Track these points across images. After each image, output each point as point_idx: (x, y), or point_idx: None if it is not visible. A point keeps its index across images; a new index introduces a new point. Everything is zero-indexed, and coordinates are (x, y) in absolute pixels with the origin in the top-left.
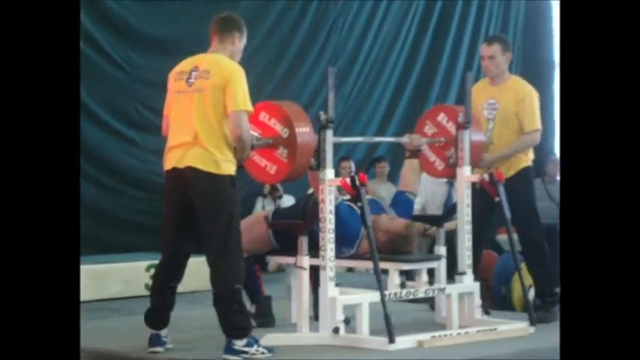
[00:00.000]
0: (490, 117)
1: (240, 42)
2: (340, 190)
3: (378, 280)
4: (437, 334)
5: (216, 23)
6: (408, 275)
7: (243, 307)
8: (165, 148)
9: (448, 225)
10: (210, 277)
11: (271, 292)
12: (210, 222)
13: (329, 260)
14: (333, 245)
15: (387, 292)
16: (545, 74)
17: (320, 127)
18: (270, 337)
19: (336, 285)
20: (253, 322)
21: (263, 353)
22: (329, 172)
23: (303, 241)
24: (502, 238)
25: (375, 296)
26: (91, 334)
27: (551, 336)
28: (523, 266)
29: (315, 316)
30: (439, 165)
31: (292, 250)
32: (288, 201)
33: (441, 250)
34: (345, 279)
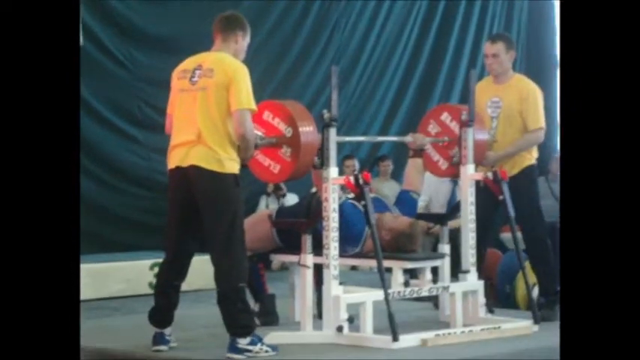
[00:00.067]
0: (494, 115)
1: (244, 41)
2: (344, 188)
3: (382, 279)
4: (441, 332)
5: (220, 22)
6: (412, 274)
7: (246, 305)
8: (168, 146)
9: (452, 223)
10: (214, 276)
11: (275, 290)
12: (214, 220)
13: (333, 259)
14: (336, 244)
15: (390, 291)
16: (549, 72)
17: (323, 126)
18: (274, 336)
19: (340, 283)
20: (257, 321)
21: (267, 352)
22: (332, 171)
23: (307, 240)
24: (506, 236)
25: (378, 295)
26: (92, 333)
27: (555, 334)
28: (527, 264)
29: (318, 315)
30: (442, 164)
31: (296, 249)
32: (291, 199)
33: (445, 248)
34: (349, 277)
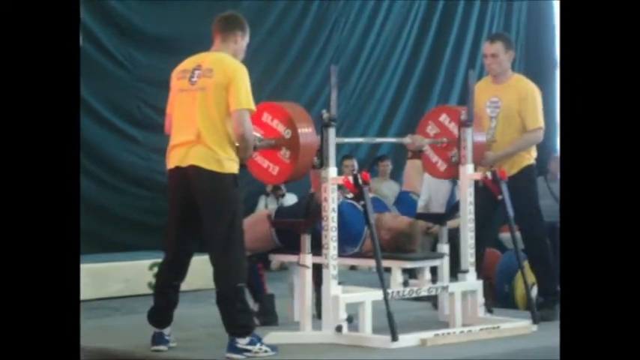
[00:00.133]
0: (493, 115)
1: (243, 41)
2: (343, 188)
3: (381, 279)
4: (440, 332)
5: (219, 22)
6: (411, 273)
7: (246, 305)
8: (167, 146)
9: (451, 223)
10: (213, 276)
11: (274, 290)
12: (213, 220)
13: (332, 258)
14: (335, 243)
15: (389, 291)
16: (548, 72)
17: (322, 126)
18: (273, 336)
19: (339, 283)
20: (256, 321)
21: (266, 351)
22: (331, 171)
23: (306, 240)
24: (505, 236)
25: (377, 294)
26: (92, 332)
27: (554, 334)
28: (526, 264)
29: (317, 315)
30: (441, 165)
31: (295, 249)
32: (290, 199)
33: (444, 248)
34: (348, 277)
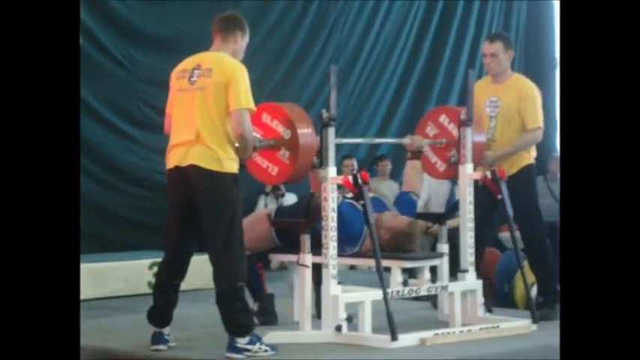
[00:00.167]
0: (492, 115)
1: (243, 41)
2: (342, 188)
3: (381, 278)
4: (439, 331)
5: (219, 22)
6: (411, 273)
7: (245, 305)
8: (167, 146)
9: (451, 223)
10: (212, 275)
11: (274, 289)
12: (213, 220)
13: (331, 258)
14: (335, 243)
15: (389, 290)
16: (548, 72)
17: (322, 125)
18: (273, 335)
19: (339, 283)
20: (256, 320)
21: (266, 351)
22: (331, 170)
23: (306, 239)
24: (504, 235)
25: (377, 294)
26: (92, 332)
27: (553, 334)
28: (525, 264)
29: (317, 314)
30: (440, 166)
31: (295, 248)
32: (290, 199)
33: (444, 247)
34: (348, 277)
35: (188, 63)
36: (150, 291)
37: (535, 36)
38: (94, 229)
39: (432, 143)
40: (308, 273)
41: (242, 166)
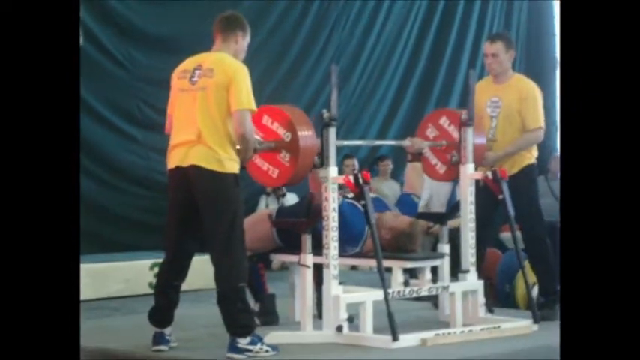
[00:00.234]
0: (493, 115)
1: (244, 41)
2: (344, 188)
3: (382, 278)
4: (440, 332)
5: (220, 22)
6: (412, 273)
7: (246, 305)
8: (167, 146)
9: (452, 223)
10: (214, 276)
11: (275, 290)
12: (214, 220)
13: (332, 258)
14: (336, 243)
15: (390, 290)
16: (548, 72)
17: (323, 125)
18: (274, 335)
19: (340, 283)
20: (257, 320)
21: (267, 351)
22: (332, 170)
23: (307, 239)
24: (505, 235)
25: (378, 294)
26: (92, 332)
27: (554, 334)
28: (526, 264)
29: (318, 314)
30: (440, 168)
31: (296, 249)
32: (291, 199)
33: (445, 248)
34: (349, 277)
35: (189, 63)
36: (150, 291)
37: (536, 36)
38: (94, 229)
39: (432, 145)
40: (309, 273)
41: (242, 168)
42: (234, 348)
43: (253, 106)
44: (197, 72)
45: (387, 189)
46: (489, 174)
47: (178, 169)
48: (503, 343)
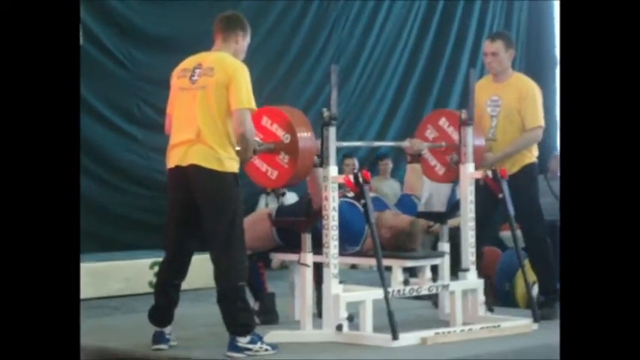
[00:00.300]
0: (493, 114)
1: (244, 41)
2: (343, 187)
3: (382, 277)
4: (440, 330)
5: (220, 22)
6: (412, 272)
7: (246, 304)
8: (167, 145)
9: (452, 222)
10: (213, 275)
11: (275, 289)
12: (214, 219)
13: (332, 257)
14: (336, 242)
15: (390, 289)
16: (548, 71)
17: (323, 124)
18: (274, 334)
19: (340, 282)
20: (257, 320)
21: (267, 350)
22: (332, 169)
23: (307, 239)
24: (505, 234)
25: (378, 293)
26: (92, 331)
27: (554, 333)
28: (526, 263)
29: (318, 314)
30: (439, 169)
31: (296, 248)
32: (291, 198)
33: (445, 246)
34: (349, 276)
35: (189, 62)
36: (150, 290)
37: (536, 35)
38: (94, 228)
39: (432, 146)
40: (309, 272)
41: (242, 168)
42: (234, 347)
43: (253, 105)
44: (197, 71)
45: (387, 188)
46: (489, 173)
47: (178, 168)
48: (503, 342)
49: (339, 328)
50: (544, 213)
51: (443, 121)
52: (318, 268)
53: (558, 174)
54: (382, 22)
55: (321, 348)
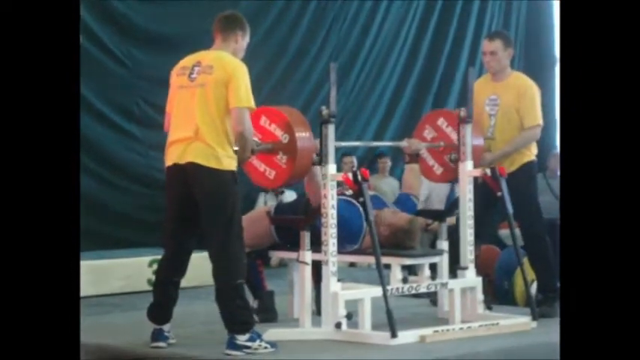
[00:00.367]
0: (492, 113)
1: (243, 40)
2: (342, 185)
3: (381, 275)
4: (439, 328)
5: (219, 22)
6: (411, 270)
7: (245, 302)
8: (166, 143)
9: (450, 220)
10: (212, 273)
11: (274, 287)
12: (212, 217)
13: (331, 255)
14: (335, 240)
15: (389, 287)
16: (547, 70)
17: (321, 122)
18: (273, 332)
19: (339, 280)
20: (256, 317)
21: (266, 348)
22: (331, 167)
23: (305, 236)
24: (504, 232)
25: (377, 291)
26: (92, 329)
27: (553, 331)
28: (525, 261)
29: (317, 311)
30: (438, 169)
31: (294, 245)
32: (290, 196)
33: (443, 244)
34: (348, 274)
35: (188, 60)
36: (150, 288)
37: (535, 34)
38: (93, 226)
39: (430, 146)
40: (308, 270)
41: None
42: (232, 345)
43: (252, 104)
44: (196, 69)
45: (386, 186)
46: (488, 171)
47: (176, 166)
48: (502, 340)
49: (338, 326)
50: (543, 211)
51: (441, 121)
52: (316, 266)
53: (557, 172)
54: (380, 22)
55: (320, 346)
